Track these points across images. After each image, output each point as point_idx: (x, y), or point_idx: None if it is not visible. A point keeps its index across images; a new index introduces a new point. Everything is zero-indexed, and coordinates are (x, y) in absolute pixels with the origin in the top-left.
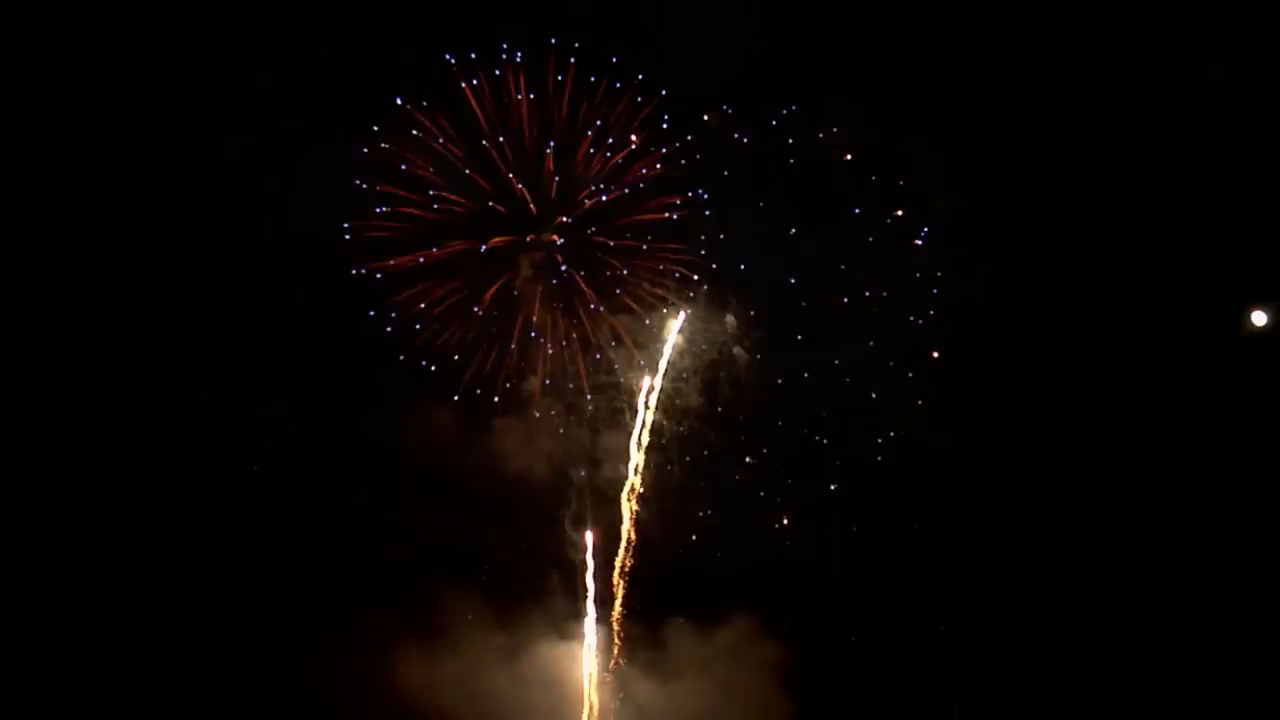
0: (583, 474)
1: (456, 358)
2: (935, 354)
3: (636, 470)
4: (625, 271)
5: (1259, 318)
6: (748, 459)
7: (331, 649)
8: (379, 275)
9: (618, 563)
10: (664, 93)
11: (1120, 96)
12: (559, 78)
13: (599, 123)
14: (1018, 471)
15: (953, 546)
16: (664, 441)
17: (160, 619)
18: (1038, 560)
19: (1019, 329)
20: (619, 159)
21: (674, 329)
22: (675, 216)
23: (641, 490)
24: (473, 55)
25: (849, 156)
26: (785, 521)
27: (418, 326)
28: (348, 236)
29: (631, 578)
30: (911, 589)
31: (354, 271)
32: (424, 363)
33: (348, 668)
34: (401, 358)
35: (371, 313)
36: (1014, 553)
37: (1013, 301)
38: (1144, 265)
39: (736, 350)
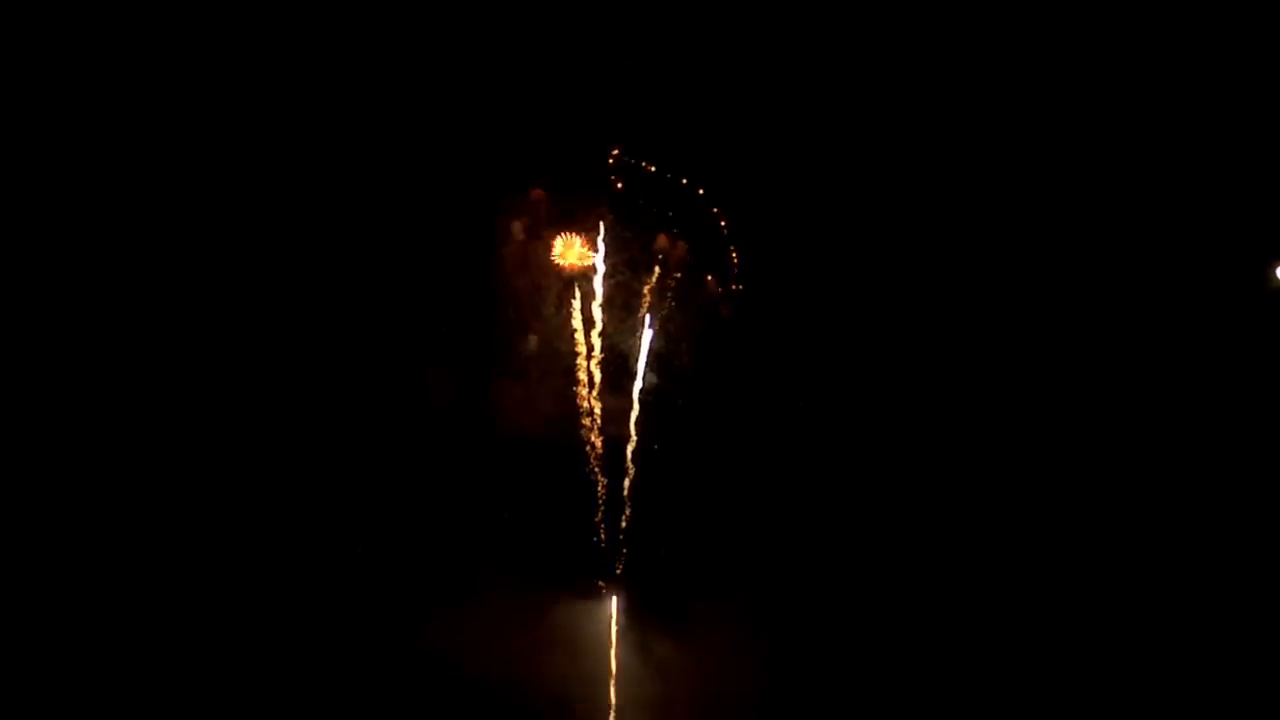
0: (589, 436)
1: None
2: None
3: (635, 432)
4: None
5: None
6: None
7: (356, 613)
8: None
9: (623, 522)
10: None
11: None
12: None
13: None
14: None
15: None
16: (665, 403)
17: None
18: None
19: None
20: None
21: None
22: None
23: (642, 450)
24: None
25: None
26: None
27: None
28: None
29: (647, 539)
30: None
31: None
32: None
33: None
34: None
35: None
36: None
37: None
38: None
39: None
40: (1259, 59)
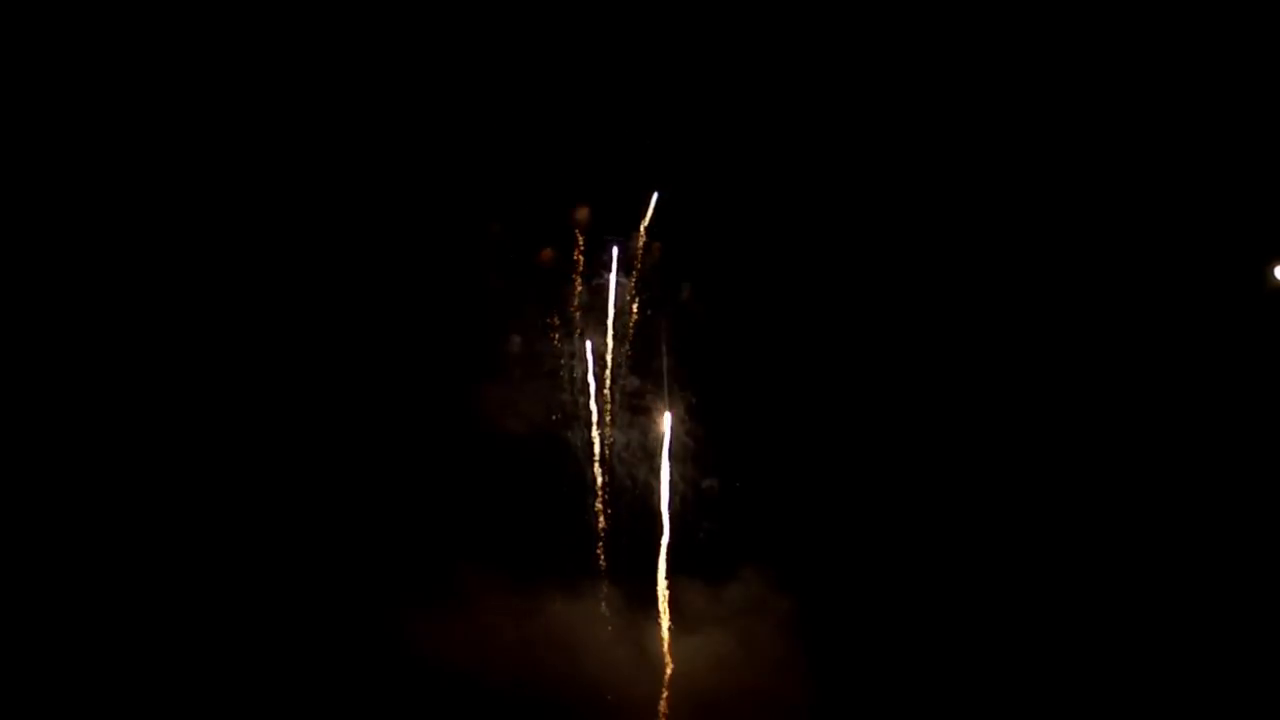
0: (575, 436)
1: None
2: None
3: (607, 429)
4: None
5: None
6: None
7: (345, 613)
8: None
9: (600, 519)
10: None
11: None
12: None
13: None
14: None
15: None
16: (643, 405)
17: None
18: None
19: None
20: None
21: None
22: None
23: (622, 450)
24: None
25: None
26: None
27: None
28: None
29: (635, 537)
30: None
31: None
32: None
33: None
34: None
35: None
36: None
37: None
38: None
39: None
40: (1259, 59)
